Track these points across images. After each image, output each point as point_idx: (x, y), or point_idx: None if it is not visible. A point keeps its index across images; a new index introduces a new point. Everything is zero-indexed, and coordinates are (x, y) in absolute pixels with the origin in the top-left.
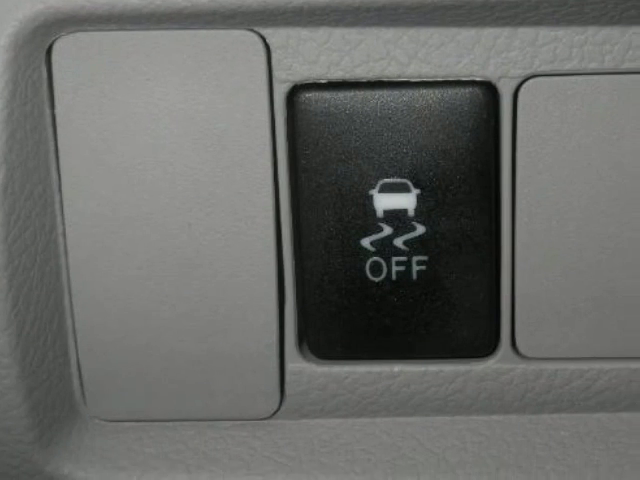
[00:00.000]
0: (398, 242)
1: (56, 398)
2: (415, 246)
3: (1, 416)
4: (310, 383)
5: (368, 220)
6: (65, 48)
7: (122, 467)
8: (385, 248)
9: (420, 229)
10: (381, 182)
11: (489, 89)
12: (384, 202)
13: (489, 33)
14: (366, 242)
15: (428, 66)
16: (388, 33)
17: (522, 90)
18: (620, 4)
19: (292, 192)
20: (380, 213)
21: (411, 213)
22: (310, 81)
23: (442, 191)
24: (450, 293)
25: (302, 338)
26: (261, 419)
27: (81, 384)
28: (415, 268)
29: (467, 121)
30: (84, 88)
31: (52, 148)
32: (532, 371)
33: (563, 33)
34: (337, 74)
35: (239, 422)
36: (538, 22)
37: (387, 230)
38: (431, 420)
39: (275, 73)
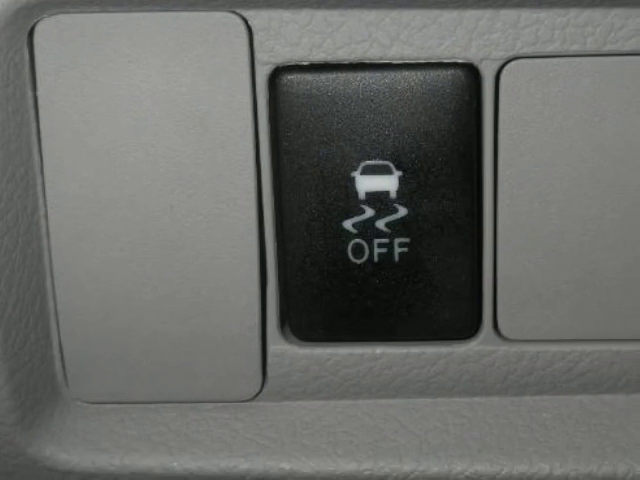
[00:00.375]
0: (380, 224)
1: (38, 380)
2: (397, 228)
3: None
4: (292, 365)
5: (350, 202)
6: (47, 30)
7: (104, 449)
8: (367, 230)
9: (402, 211)
10: (363, 164)
11: (471, 71)
12: (366, 184)
13: (471, 15)
14: (348, 224)
15: (410, 48)
16: (370, 15)
17: (504, 72)
18: None
19: (274, 174)
20: (362, 195)
21: (393, 195)
22: (292, 63)
23: (424, 173)
24: (432, 275)
25: (284, 320)
26: (243, 401)
27: (63, 366)
28: (397, 250)
29: (449, 103)
30: (66, 70)
31: (34, 130)
32: (514, 353)
33: (545, 15)
34: (319, 56)
35: (221, 404)
36: (520, 4)
37: (369, 212)
38: (413, 402)
39: (257, 55)
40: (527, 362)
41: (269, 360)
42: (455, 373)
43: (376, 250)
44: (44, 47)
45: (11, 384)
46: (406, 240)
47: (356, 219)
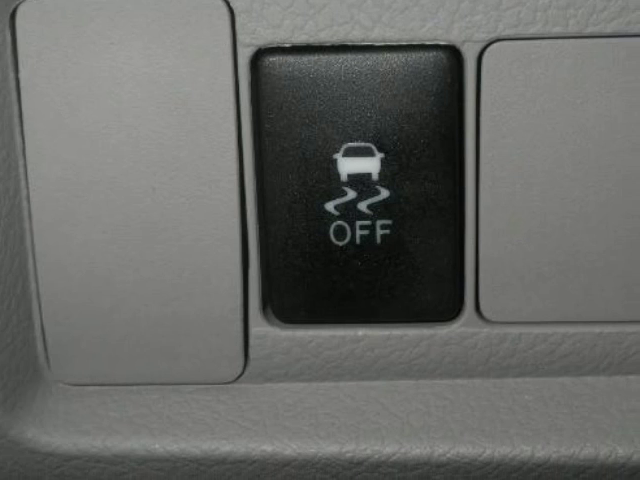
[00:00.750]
0: (362, 206)
1: (20, 362)
2: (379, 210)
3: None
4: (274, 347)
5: (332, 184)
6: (29, 12)
7: (86, 431)
8: (349, 212)
9: (384, 193)
10: (345, 146)
11: (453, 53)
12: (348, 166)
13: None
14: (330, 206)
15: (392, 30)
16: None
17: (486, 54)
18: None
19: (256, 156)
20: (344, 177)
21: (375, 177)
22: (274, 45)
23: (406, 155)
24: (414, 257)
25: (266, 302)
26: (225, 383)
27: (45, 348)
28: (379, 232)
29: (431, 85)
30: (48, 52)
31: (16, 112)
32: (496, 335)
33: None
34: (301, 38)
35: (203, 386)
36: None
37: (351, 194)
38: (395, 384)
39: (239, 37)
40: (509, 344)
41: (251, 342)
42: (437, 355)
43: (358, 232)
44: (26, 29)
45: None
46: (388, 222)
47: (338, 201)
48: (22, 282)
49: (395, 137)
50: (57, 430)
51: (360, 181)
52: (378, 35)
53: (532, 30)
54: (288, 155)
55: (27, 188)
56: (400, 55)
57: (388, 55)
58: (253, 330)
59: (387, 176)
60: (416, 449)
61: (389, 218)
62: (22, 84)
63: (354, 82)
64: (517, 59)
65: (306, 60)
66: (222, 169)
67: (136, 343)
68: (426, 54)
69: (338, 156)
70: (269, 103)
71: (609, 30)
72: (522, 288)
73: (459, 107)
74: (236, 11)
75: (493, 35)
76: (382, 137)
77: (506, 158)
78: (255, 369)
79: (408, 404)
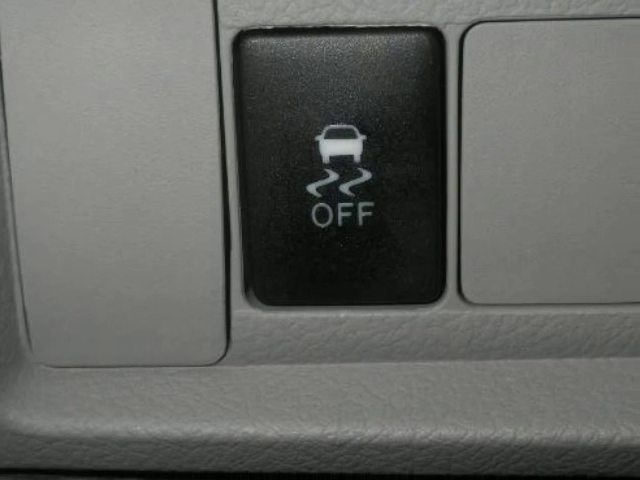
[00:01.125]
0: (344, 188)
1: (2, 344)
2: (361, 192)
3: None
4: (256, 329)
5: (314, 166)
6: None
7: (68, 413)
8: (331, 194)
9: (366, 175)
10: (327, 128)
11: (435, 35)
12: (330, 148)
13: None
14: (312, 188)
15: (374, 12)
16: None
17: (468, 36)
18: None
19: (238, 138)
20: (326, 159)
21: (357, 159)
22: (256, 27)
23: (388, 137)
24: (396, 239)
25: (248, 284)
26: (207, 365)
27: (27, 330)
28: (361, 214)
29: (413, 67)
30: (30, 34)
31: None
32: (478, 317)
33: None
34: (283, 20)
35: (185, 368)
36: None
37: (333, 176)
38: (377, 366)
39: (221, 19)
40: (491, 326)
41: (233, 324)
42: (419, 337)
43: (340, 214)
44: (8, 11)
45: None
46: (370, 204)
47: (320, 183)
48: (4, 264)
49: (377, 119)
50: (39, 412)
51: (342, 163)
52: (360, 17)
53: (514, 12)
54: (270, 137)
55: (9, 170)
56: (382, 37)
57: (370, 37)
58: (235, 312)
59: (369, 158)
60: (398, 431)
61: (371, 200)
62: (4, 66)
63: (336, 64)
64: (499, 41)
65: (288, 42)
66: (204, 151)
67: (118, 325)
68: (408, 36)
69: (320, 138)
70: (251, 85)
71: (591, 12)
72: (504, 270)
73: (441, 89)
74: None
75: (475, 17)
76: (364, 119)
77: (488, 140)
78: (237, 351)
79: (390, 386)
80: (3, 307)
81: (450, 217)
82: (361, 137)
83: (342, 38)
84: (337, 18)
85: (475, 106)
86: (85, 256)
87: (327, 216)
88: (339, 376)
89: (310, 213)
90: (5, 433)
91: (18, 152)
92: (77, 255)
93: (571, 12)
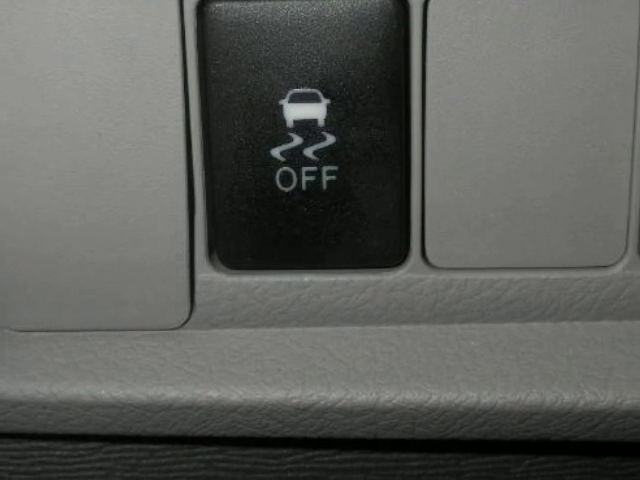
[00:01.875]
0: (308, 152)
1: None
2: (325, 156)
3: None
4: (220, 293)
5: (278, 130)
6: None
7: (32, 377)
8: (295, 158)
9: (330, 139)
10: (291, 92)
11: None
12: (294, 112)
13: None
14: (276, 152)
15: None
16: None
17: (432, 0)
18: None
19: (202, 102)
20: (290, 123)
21: (321, 123)
22: None
23: (352, 101)
24: (360, 203)
25: (212, 248)
26: (171, 329)
27: None
28: (325, 178)
29: (377, 31)
30: None
31: None
32: (442, 281)
33: None
34: None
35: (149, 332)
36: None
37: (297, 140)
38: (341, 330)
39: None
40: (455, 290)
41: (197, 288)
42: (383, 301)
43: (304, 178)
44: None
45: None
46: (334, 168)
47: (284, 147)
48: None
49: (341, 83)
50: (3, 376)
51: (306, 127)
52: None
53: None
54: (234, 101)
55: None
56: (346, 1)
57: (334, 1)
58: (199, 276)
59: (333, 122)
60: (362, 395)
61: (335, 164)
62: None
63: (300, 28)
64: (463, 5)
65: (252, 6)
66: (168, 115)
67: (82, 289)
68: (372, 0)
69: (284, 102)
70: (215, 49)
71: None
72: (468, 234)
73: (405, 53)
74: None
75: None
76: (328, 83)
77: (452, 104)
78: (201, 315)
79: (354, 350)
80: None
81: (414, 181)
82: (325, 101)
83: (306, 2)
84: None
85: (439, 70)
86: (49, 220)
87: (291, 180)
88: (303, 340)
89: (274, 177)
90: None
91: None
92: (41, 219)
93: None
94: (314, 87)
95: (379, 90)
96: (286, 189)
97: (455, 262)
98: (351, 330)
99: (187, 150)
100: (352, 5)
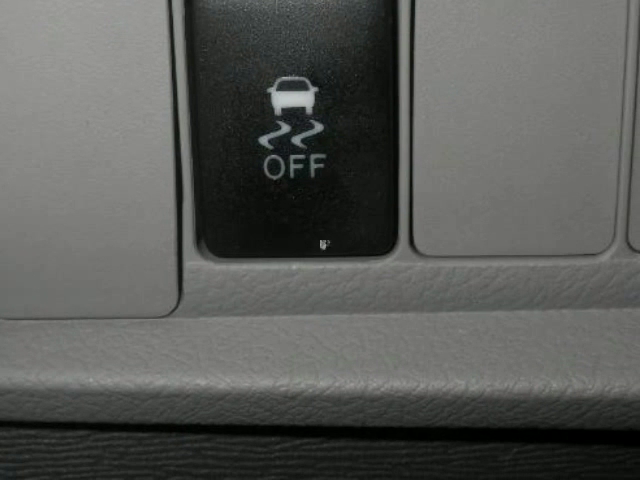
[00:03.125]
0: (296, 140)
1: None
2: (313, 144)
3: None
4: (208, 281)
5: (266, 118)
6: None
7: (20, 365)
8: (283, 146)
9: (318, 127)
10: (279, 80)
11: None
12: (282, 100)
13: None
14: (264, 140)
15: None
16: None
17: None
18: None
19: (190, 90)
20: (278, 111)
21: (309, 111)
22: None
23: (340, 89)
24: (348, 191)
25: (200, 236)
26: (159, 317)
27: None
28: (313, 166)
29: (365, 19)
30: None
31: None
32: (430, 269)
33: None
34: None
35: (137, 320)
36: None
37: (285, 128)
38: (329, 318)
39: None
40: (443, 278)
41: (185, 276)
42: (371, 289)
43: (292, 166)
44: None
45: None
46: (322, 156)
47: (272, 135)
48: None
49: (329, 71)
50: None
51: (294, 115)
52: None
53: None
54: (222, 89)
55: None
56: None
57: None
58: (187, 264)
59: (321, 110)
60: (350, 383)
61: (323, 152)
62: None
63: (288, 16)
64: None
65: None
66: (156, 103)
67: (70, 277)
68: None
69: (272, 90)
70: (203, 37)
71: None
72: (456, 222)
73: (393, 41)
74: None
75: None
76: (316, 71)
77: (440, 92)
78: (189, 303)
79: (342, 338)
80: None
81: (402, 169)
82: (313, 89)
83: None
84: None
85: (427, 58)
86: (36, 208)
87: (279, 168)
88: (291, 328)
89: (262, 165)
90: None
91: None
92: (29, 207)
93: None
94: (302, 75)
95: (367, 78)
96: (274, 177)
97: (443, 250)
98: (339, 318)
99: (175, 138)
100: None
